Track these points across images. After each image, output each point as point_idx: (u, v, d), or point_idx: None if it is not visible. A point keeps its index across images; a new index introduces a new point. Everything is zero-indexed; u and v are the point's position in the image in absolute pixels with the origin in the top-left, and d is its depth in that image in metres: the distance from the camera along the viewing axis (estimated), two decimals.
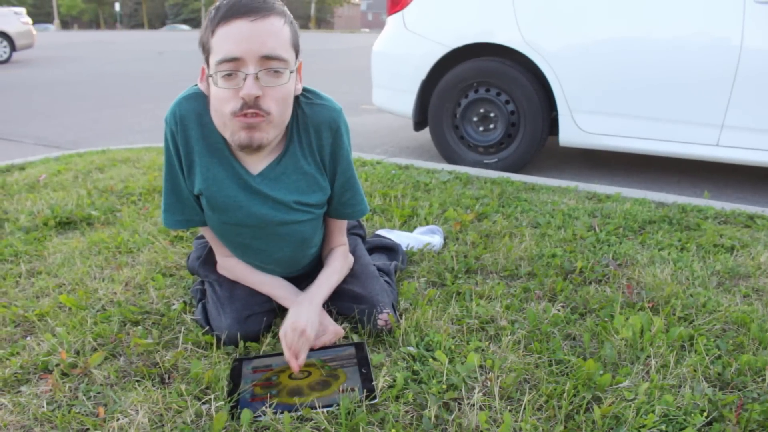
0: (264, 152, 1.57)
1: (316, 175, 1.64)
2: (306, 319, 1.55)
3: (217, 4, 1.42)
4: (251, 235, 1.65)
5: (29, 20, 14.57)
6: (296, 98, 1.57)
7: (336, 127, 1.61)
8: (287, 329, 1.53)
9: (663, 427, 1.34)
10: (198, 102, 1.54)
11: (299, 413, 1.38)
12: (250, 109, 1.40)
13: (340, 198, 1.72)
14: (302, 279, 1.84)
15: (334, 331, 1.64)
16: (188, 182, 1.59)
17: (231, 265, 1.76)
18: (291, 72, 1.46)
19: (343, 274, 1.78)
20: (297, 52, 1.49)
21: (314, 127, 1.59)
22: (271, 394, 1.44)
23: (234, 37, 1.37)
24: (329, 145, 1.62)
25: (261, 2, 1.40)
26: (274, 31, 1.40)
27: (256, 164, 1.58)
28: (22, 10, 14.57)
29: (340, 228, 1.82)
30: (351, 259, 1.83)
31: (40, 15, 72.91)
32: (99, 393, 1.47)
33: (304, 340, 1.53)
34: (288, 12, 1.48)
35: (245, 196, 1.59)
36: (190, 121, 1.53)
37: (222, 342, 1.66)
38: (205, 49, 1.45)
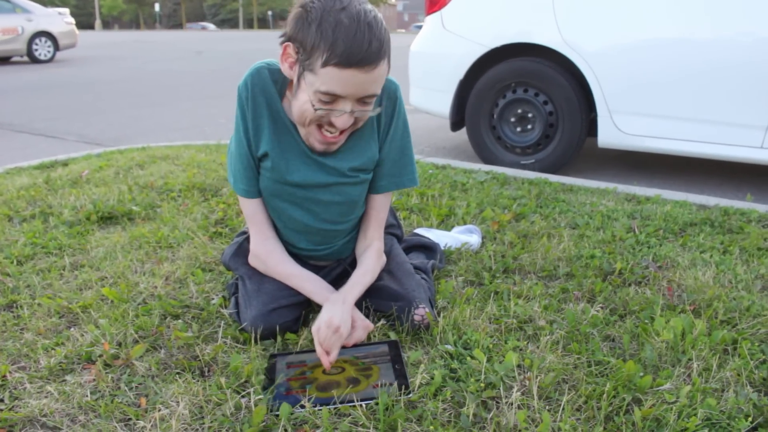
0: None
1: (371, 142, 1.71)
2: (340, 317, 1.56)
3: (331, 29, 1.40)
4: (304, 194, 1.71)
5: (72, 20, 14.88)
6: None
7: (395, 97, 1.70)
8: (321, 326, 1.54)
9: (706, 431, 1.32)
10: (273, 76, 1.62)
11: (337, 407, 1.38)
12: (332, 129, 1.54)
13: (392, 166, 1.76)
14: (333, 268, 1.88)
15: (363, 326, 1.65)
16: (254, 144, 1.67)
17: (267, 251, 1.76)
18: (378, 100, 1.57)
19: (375, 274, 1.79)
20: None
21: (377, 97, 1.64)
22: (306, 388, 1.45)
23: (344, 83, 1.43)
24: (389, 115, 1.70)
25: (377, 50, 1.41)
26: (378, 78, 1.47)
27: None
28: (66, 10, 14.90)
29: (378, 214, 1.82)
30: (384, 259, 1.83)
31: (82, 15, 74.40)
32: (140, 384, 1.49)
33: (337, 337, 1.53)
34: (389, 39, 1.49)
35: (303, 160, 1.67)
36: (260, 90, 1.62)
37: (246, 332, 1.68)
38: (305, 57, 1.46)
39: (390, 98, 1.69)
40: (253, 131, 1.65)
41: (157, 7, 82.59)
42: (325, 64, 1.41)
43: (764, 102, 3.34)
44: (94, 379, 1.50)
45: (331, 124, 1.53)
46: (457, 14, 4.12)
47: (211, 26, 79.44)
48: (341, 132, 1.57)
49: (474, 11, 4.07)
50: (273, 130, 1.65)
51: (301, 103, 1.52)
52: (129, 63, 14.14)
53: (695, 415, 1.35)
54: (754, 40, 3.30)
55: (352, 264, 1.86)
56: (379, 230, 1.83)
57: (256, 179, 1.72)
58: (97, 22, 60.30)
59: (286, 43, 1.50)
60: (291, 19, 1.49)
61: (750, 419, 1.35)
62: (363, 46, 1.39)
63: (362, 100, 1.50)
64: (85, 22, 70.28)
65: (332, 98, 1.46)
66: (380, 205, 1.81)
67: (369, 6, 1.45)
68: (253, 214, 1.75)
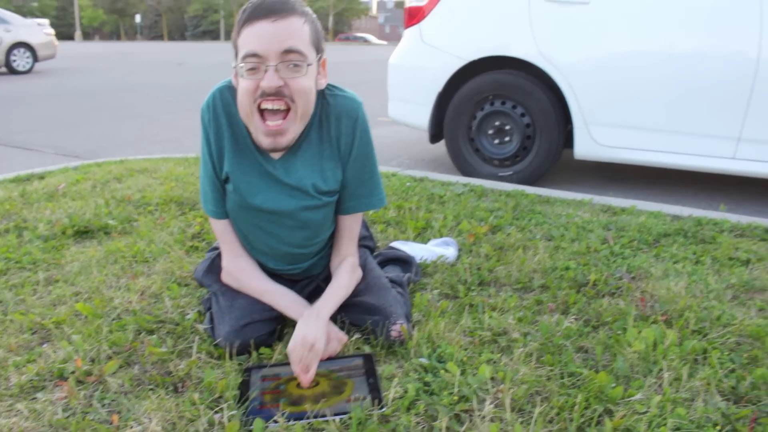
0: None
1: (332, 162, 1.70)
2: (314, 334, 1.56)
3: (244, 6, 1.53)
4: (267, 219, 1.72)
5: (52, 31, 14.79)
6: (321, 92, 1.66)
7: (356, 116, 1.69)
8: (296, 345, 1.54)
9: None
10: (230, 93, 1.64)
11: (310, 422, 1.38)
12: (270, 98, 1.51)
13: (357, 188, 1.75)
14: (306, 284, 1.89)
15: (338, 338, 1.66)
16: (218, 166, 1.68)
17: (239, 268, 1.77)
18: (309, 65, 1.53)
19: (350, 288, 1.79)
20: (318, 49, 1.58)
21: (335, 116, 1.67)
22: (280, 402, 1.45)
23: (256, 36, 1.48)
24: (349, 134, 1.69)
25: (282, 4, 1.50)
26: (293, 30, 1.50)
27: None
28: (45, 21, 14.82)
29: (350, 232, 1.82)
30: (359, 273, 1.84)
31: (62, 26, 73.93)
32: (113, 401, 1.49)
33: (312, 354, 1.53)
34: (310, 12, 1.56)
35: (264, 182, 1.67)
36: (221, 110, 1.64)
37: (223, 348, 1.67)
38: (234, 47, 1.55)
39: (350, 117, 1.68)
40: (217, 153, 1.67)
41: (138, 18, 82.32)
42: (240, 31, 1.51)
43: (736, 114, 3.39)
44: (65, 397, 1.49)
45: (265, 96, 1.50)
46: (436, 27, 4.15)
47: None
48: (284, 117, 1.54)
49: (452, 24, 4.11)
50: (234, 151, 1.66)
51: (239, 93, 1.56)
52: (109, 74, 14.07)
53: (665, 425, 1.37)
54: (726, 52, 3.36)
55: (326, 280, 1.86)
56: (352, 246, 1.83)
57: (223, 200, 1.74)
58: (77, 33, 59.97)
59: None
60: None
61: (718, 428, 1.37)
62: (267, 1, 1.49)
63: (284, 58, 1.48)
64: (65, 33, 69.86)
65: (254, 60, 1.48)
66: (351, 224, 1.82)
67: None
68: (222, 233, 1.77)
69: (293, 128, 1.57)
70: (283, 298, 1.74)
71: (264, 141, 1.57)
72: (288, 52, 1.48)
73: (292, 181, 1.67)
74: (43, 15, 64.12)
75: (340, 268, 1.80)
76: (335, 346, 1.65)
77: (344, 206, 1.78)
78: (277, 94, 1.50)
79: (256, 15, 1.48)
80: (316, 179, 1.68)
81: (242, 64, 1.50)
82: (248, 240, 1.79)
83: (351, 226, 1.82)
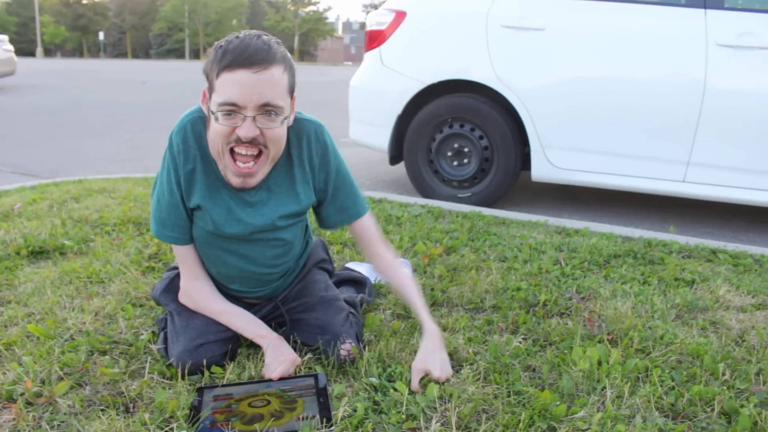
0: None
1: (305, 185, 1.75)
2: (287, 352, 1.71)
3: (224, 44, 1.53)
4: (238, 243, 1.75)
5: (11, 48, 14.57)
6: None
7: (321, 137, 1.75)
8: (275, 367, 1.66)
9: None
10: (201, 124, 1.65)
11: None
12: (244, 144, 1.54)
13: (335, 203, 1.82)
14: (263, 305, 1.91)
15: (291, 360, 1.69)
16: (186, 197, 1.69)
17: (197, 289, 1.80)
18: (285, 118, 1.58)
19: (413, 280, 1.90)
20: (292, 94, 1.62)
21: (305, 140, 1.72)
22: (231, 421, 1.47)
23: (236, 86, 1.49)
24: (318, 155, 1.75)
25: (264, 53, 1.51)
26: (273, 82, 1.52)
27: None
28: (5, 37, 14.57)
29: (371, 233, 1.88)
30: (402, 262, 1.92)
31: (23, 42, 72.89)
32: (63, 422, 1.49)
33: (289, 364, 1.68)
34: (288, 56, 1.59)
35: (238, 211, 1.70)
36: (193, 142, 1.65)
37: (175, 368, 1.68)
38: (209, 81, 1.56)
39: (318, 141, 1.74)
40: (186, 183, 1.68)
41: (101, 35, 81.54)
42: (218, 74, 1.51)
43: (685, 139, 3.51)
44: (13, 419, 1.48)
45: (239, 143, 1.54)
46: (396, 51, 4.22)
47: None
48: (255, 161, 1.59)
49: (412, 48, 4.18)
50: (206, 183, 1.68)
51: (211, 131, 1.59)
52: (70, 92, 13.90)
53: None
54: (676, 80, 3.49)
55: (284, 301, 1.90)
56: (381, 245, 1.89)
57: (187, 227, 1.74)
58: (39, 50, 59.15)
59: (204, 88, 1.60)
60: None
61: None
62: (249, 49, 1.49)
63: (262, 110, 1.52)
64: (25, 49, 68.87)
65: (232, 108, 1.51)
66: (367, 227, 1.87)
67: (264, 32, 1.57)
68: (184, 257, 1.79)
69: (263, 170, 1.64)
70: (239, 319, 1.78)
71: (233, 180, 1.63)
72: (266, 105, 1.52)
73: (265, 208, 1.72)
74: (3, 31, 63.18)
75: (392, 271, 1.88)
76: (287, 366, 1.67)
77: (347, 215, 1.84)
78: (252, 142, 1.55)
79: (237, 63, 1.48)
80: (290, 204, 1.74)
81: (219, 110, 1.52)
82: (215, 265, 1.81)
83: (368, 228, 1.87)
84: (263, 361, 1.75)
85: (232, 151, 1.58)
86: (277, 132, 1.58)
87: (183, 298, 1.82)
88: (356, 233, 1.88)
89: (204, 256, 1.80)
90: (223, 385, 1.63)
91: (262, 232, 1.74)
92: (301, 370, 1.73)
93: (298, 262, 1.95)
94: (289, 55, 1.60)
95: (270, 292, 1.90)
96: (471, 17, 3.98)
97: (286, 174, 1.73)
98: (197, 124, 1.65)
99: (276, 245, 1.79)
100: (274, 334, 1.77)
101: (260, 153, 1.59)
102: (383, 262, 1.88)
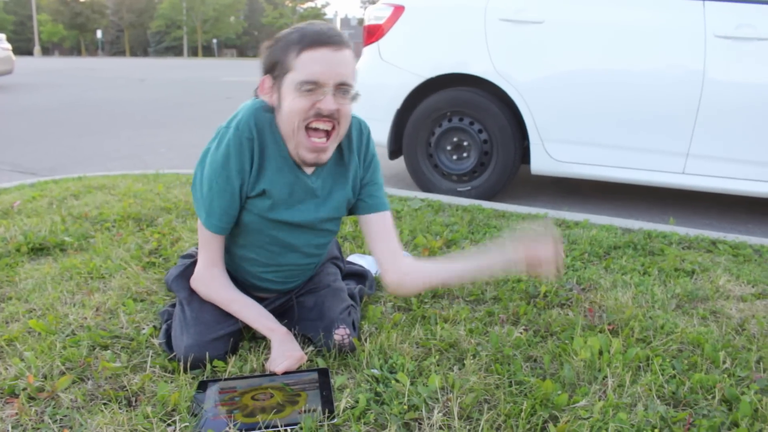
0: None
1: (354, 172, 1.82)
2: (294, 348, 1.72)
3: (298, 29, 1.62)
4: (290, 228, 1.78)
5: (9, 46, 14.54)
6: None
7: (366, 129, 1.84)
8: (280, 362, 1.66)
9: None
10: (268, 113, 1.69)
11: (261, 431, 1.41)
12: (322, 118, 1.61)
13: (376, 190, 1.86)
14: (274, 299, 1.93)
15: (298, 357, 1.69)
16: (248, 183, 1.69)
17: (213, 276, 1.79)
18: (353, 97, 1.66)
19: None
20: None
21: (354, 132, 1.80)
22: (234, 413, 1.47)
23: (319, 63, 1.57)
24: (364, 145, 1.83)
25: (339, 35, 1.62)
26: (348, 61, 1.62)
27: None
28: (2, 36, 14.55)
29: (387, 230, 1.86)
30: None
31: (20, 41, 72.80)
32: (65, 416, 1.49)
33: (294, 360, 1.68)
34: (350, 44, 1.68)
35: (303, 196, 1.76)
36: (265, 127, 1.68)
37: (179, 361, 1.69)
38: (282, 67, 1.62)
39: (362, 131, 1.82)
40: (256, 170, 1.68)
41: (99, 33, 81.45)
42: (299, 53, 1.58)
43: (685, 130, 3.51)
44: (16, 413, 1.48)
45: (318, 117, 1.60)
46: (394, 45, 4.21)
47: None
48: (328, 136, 1.64)
49: (410, 43, 4.18)
50: (276, 168, 1.70)
51: (287, 109, 1.62)
52: (68, 90, 13.90)
53: (607, 429, 1.42)
54: (675, 72, 3.49)
55: (298, 294, 1.94)
56: (395, 241, 1.86)
57: (234, 217, 1.74)
58: (36, 48, 59.11)
59: (263, 77, 1.66)
60: (263, 55, 1.67)
61: (657, 430, 1.42)
62: (329, 30, 1.60)
63: (339, 87, 1.59)
64: (23, 48, 68.84)
65: (313, 86, 1.57)
66: (384, 223, 1.86)
67: None
68: (210, 243, 1.77)
69: (333, 147, 1.69)
70: (250, 310, 1.79)
71: (308, 156, 1.66)
72: (343, 83, 1.59)
73: (327, 194, 1.79)
74: (0, 29, 63.08)
75: (418, 263, 1.89)
76: (293, 362, 1.67)
77: (369, 203, 1.85)
78: (330, 116, 1.60)
79: (319, 42, 1.57)
80: (347, 191, 1.80)
81: (301, 87, 1.58)
82: (258, 251, 1.82)
83: (384, 224, 1.86)
84: (265, 355, 1.75)
85: (306, 128, 1.62)
86: (349, 109, 1.66)
87: (195, 283, 1.82)
88: (377, 226, 1.85)
89: (248, 244, 1.80)
90: (227, 379, 1.63)
91: (316, 222, 1.79)
92: (304, 364, 1.72)
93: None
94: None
95: (293, 287, 1.93)
96: (469, 11, 3.98)
97: (338, 163, 1.80)
98: (262, 113, 1.68)
99: (323, 234, 1.84)
100: (284, 329, 1.77)
101: (332, 129, 1.64)
102: (405, 261, 1.84)
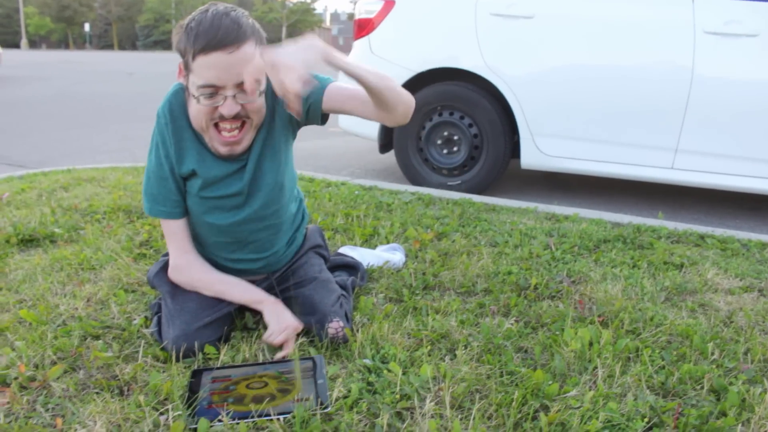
0: None
1: (284, 130, 1.77)
2: (288, 318, 1.73)
3: (194, 25, 1.54)
4: (235, 203, 1.77)
5: None
6: None
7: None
8: (278, 333, 1.69)
9: None
10: (183, 95, 1.69)
11: (254, 420, 1.41)
12: (228, 121, 1.60)
13: (311, 92, 1.68)
14: (259, 282, 1.92)
15: (294, 327, 1.72)
16: (177, 167, 1.71)
17: (189, 262, 1.81)
18: (262, 91, 1.62)
19: (379, 74, 1.62)
20: None
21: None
22: (228, 402, 1.47)
23: (213, 68, 1.53)
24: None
25: (234, 32, 1.52)
26: (248, 59, 1.53)
27: None
28: None
29: (347, 93, 1.71)
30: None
31: (7, 34, 72.19)
32: (57, 405, 1.49)
33: (291, 330, 1.71)
34: (256, 27, 1.61)
35: (231, 172, 1.74)
36: (179, 112, 1.69)
37: (167, 351, 1.70)
38: (185, 61, 1.59)
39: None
40: (176, 152, 1.70)
41: (87, 27, 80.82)
42: (194, 57, 1.53)
43: (673, 126, 3.53)
44: (8, 402, 1.48)
45: (223, 118, 1.59)
46: (385, 39, 4.22)
47: None
48: (239, 129, 1.63)
49: (401, 37, 4.18)
50: (197, 148, 1.71)
51: (193, 111, 1.63)
52: (56, 83, 13.80)
53: (597, 418, 1.43)
54: (663, 68, 3.51)
55: (279, 280, 1.94)
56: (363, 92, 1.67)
57: (178, 201, 1.76)
58: (24, 41, 58.60)
59: (179, 63, 1.63)
60: (174, 41, 1.64)
61: (646, 420, 1.44)
62: (221, 30, 1.51)
63: (241, 87, 1.55)
64: (10, 41, 68.20)
65: (212, 90, 1.56)
66: (338, 89, 1.72)
67: (231, 6, 1.59)
68: (173, 232, 1.79)
69: (248, 137, 1.68)
70: (235, 287, 1.81)
71: (221, 149, 1.67)
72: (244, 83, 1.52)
73: (256, 168, 1.75)
74: None
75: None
76: (290, 332, 1.71)
77: (316, 93, 1.69)
78: (235, 117, 1.59)
79: (211, 46, 1.51)
80: (278, 162, 1.77)
81: (200, 93, 1.56)
82: (218, 233, 1.82)
83: (339, 88, 1.72)
84: (257, 344, 1.76)
85: (216, 125, 1.63)
86: (258, 104, 1.63)
87: (173, 273, 1.82)
88: (337, 95, 1.71)
89: (205, 226, 1.81)
90: (220, 368, 1.64)
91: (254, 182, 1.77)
92: (296, 353, 1.73)
93: (296, 234, 1.98)
94: (257, 25, 1.62)
95: (272, 262, 1.92)
96: (460, 5, 3.99)
97: (269, 130, 1.74)
98: (180, 95, 1.70)
99: (270, 189, 1.79)
100: (272, 298, 1.80)
101: (243, 123, 1.64)
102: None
